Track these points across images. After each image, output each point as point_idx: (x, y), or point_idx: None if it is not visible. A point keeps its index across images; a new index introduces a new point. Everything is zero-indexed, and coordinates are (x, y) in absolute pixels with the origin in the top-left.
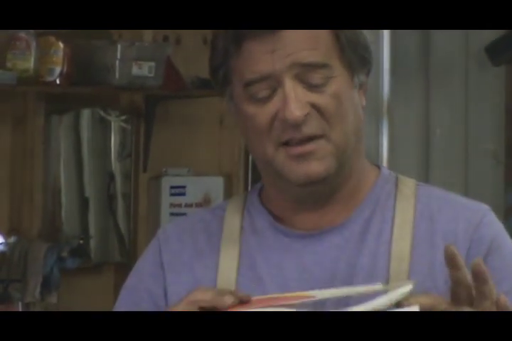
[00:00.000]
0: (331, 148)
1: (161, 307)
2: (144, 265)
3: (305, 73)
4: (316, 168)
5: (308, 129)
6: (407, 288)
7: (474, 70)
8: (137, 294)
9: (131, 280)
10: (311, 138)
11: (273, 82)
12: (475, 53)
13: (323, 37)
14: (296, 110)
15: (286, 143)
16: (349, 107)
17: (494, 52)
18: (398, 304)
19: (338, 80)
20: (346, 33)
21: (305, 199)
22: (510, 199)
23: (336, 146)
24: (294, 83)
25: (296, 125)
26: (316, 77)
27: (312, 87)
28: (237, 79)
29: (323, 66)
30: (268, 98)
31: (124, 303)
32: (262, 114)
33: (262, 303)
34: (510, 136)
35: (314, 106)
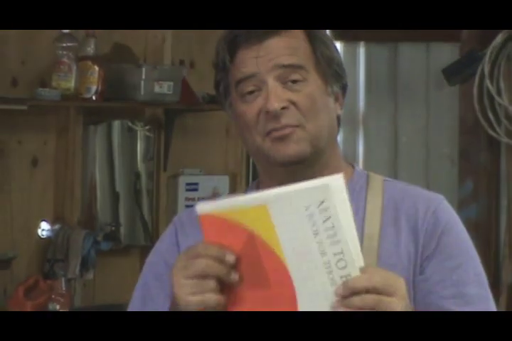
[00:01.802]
0: (305, 134)
1: None
2: (163, 244)
3: (285, 74)
4: (293, 148)
5: (286, 120)
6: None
7: (433, 89)
8: (157, 267)
9: (152, 256)
10: (289, 126)
11: (258, 82)
12: (434, 75)
13: (301, 48)
14: (275, 103)
15: (269, 133)
16: (323, 107)
17: (450, 74)
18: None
19: (312, 84)
20: (322, 49)
21: (290, 183)
22: (463, 193)
23: (310, 134)
24: (275, 83)
25: (276, 116)
26: (294, 76)
27: (290, 87)
28: (231, 84)
29: (299, 67)
30: (254, 97)
31: (147, 275)
32: (251, 110)
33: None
34: (462, 142)
35: (292, 102)
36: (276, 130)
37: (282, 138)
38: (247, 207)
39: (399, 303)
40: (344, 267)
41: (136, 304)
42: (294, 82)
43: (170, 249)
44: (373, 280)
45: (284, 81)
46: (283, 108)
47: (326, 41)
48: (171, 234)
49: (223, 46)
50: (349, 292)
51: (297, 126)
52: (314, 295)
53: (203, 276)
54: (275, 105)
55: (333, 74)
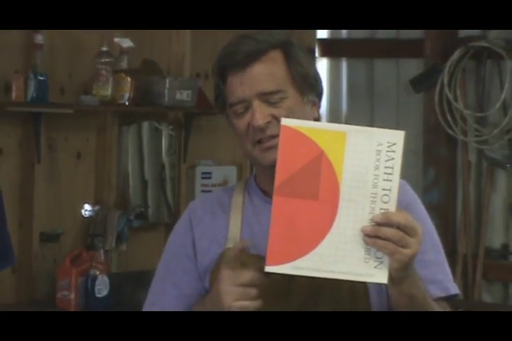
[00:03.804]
0: None
1: (191, 255)
2: (179, 228)
3: (266, 96)
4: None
5: (270, 131)
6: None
7: (403, 96)
8: (176, 247)
9: (171, 238)
10: (273, 137)
11: (246, 104)
12: (403, 84)
13: (278, 72)
14: (259, 120)
15: (258, 142)
16: (300, 115)
17: (416, 84)
18: None
19: (290, 99)
20: (296, 68)
21: None
22: (426, 181)
23: None
24: (259, 103)
25: (261, 129)
26: (274, 98)
27: (272, 104)
28: (226, 103)
29: (278, 92)
30: (244, 113)
31: (167, 254)
32: (242, 124)
33: None
34: (426, 138)
35: (274, 117)
36: (263, 140)
37: (269, 149)
38: (327, 130)
39: (416, 246)
40: (387, 202)
41: (158, 278)
42: (275, 100)
43: (185, 232)
44: (407, 219)
45: (266, 100)
46: (267, 122)
47: (300, 59)
48: (185, 220)
49: (216, 72)
50: (385, 221)
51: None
52: (352, 216)
53: (248, 285)
54: (259, 122)
55: (308, 86)
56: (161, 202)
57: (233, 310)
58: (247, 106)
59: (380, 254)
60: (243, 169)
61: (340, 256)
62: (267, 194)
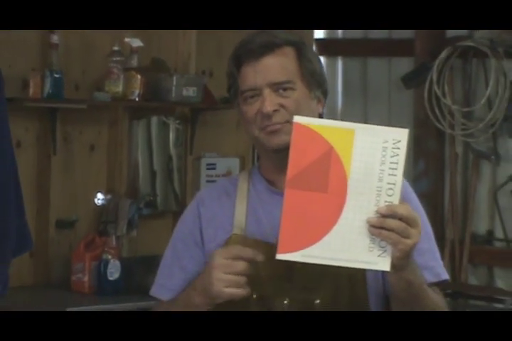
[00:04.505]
0: (292, 128)
1: (198, 242)
2: (187, 216)
3: (276, 86)
4: (282, 138)
5: (276, 119)
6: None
7: (394, 92)
8: (183, 234)
9: (179, 225)
10: (278, 124)
11: (257, 91)
12: (395, 81)
13: (290, 65)
14: (268, 106)
15: (264, 128)
16: (306, 109)
17: (406, 81)
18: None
19: (298, 92)
20: (306, 64)
21: (282, 165)
22: (416, 171)
23: None
24: (269, 91)
25: (269, 116)
26: (284, 88)
27: (281, 94)
28: (238, 90)
29: (287, 83)
30: (254, 101)
31: (175, 239)
32: (251, 110)
33: None
34: (416, 132)
35: (282, 106)
36: (269, 126)
37: (274, 132)
38: (337, 127)
39: (417, 236)
40: (391, 195)
41: (166, 262)
42: (284, 90)
43: (193, 220)
44: (409, 211)
45: (276, 89)
46: (274, 110)
47: (310, 57)
48: (193, 208)
49: (231, 61)
50: (389, 213)
51: (286, 122)
52: (358, 207)
53: (240, 274)
54: (268, 108)
55: (315, 83)
56: (168, 191)
57: (222, 296)
58: (258, 93)
59: (383, 244)
60: (245, 160)
61: (347, 245)
62: (271, 183)
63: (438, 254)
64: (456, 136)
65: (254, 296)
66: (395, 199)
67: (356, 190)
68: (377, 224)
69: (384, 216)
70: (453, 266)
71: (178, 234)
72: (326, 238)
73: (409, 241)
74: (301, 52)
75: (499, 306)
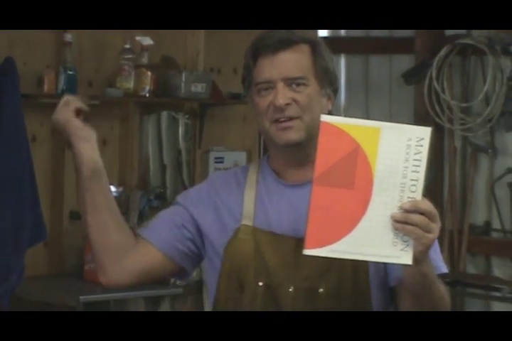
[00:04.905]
0: (302, 125)
1: (192, 214)
2: (197, 192)
3: (290, 81)
4: (292, 135)
5: (288, 113)
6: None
7: (395, 88)
8: (181, 202)
9: (182, 196)
10: (290, 118)
11: (271, 84)
12: (395, 78)
13: (304, 62)
14: (281, 100)
15: (275, 121)
16: (317, 104)
17: (407, 77)
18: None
19: (311, 88)
20: (320, 62)
21: (291, 159)
22: None
23: (306, 124)
24: (283, 85)
25: (281, 109)
26: (297, 84)
27: (293, 89)
28: (253, 82)
29: (301, 78)
30: (267, 93)
31: (168, 209)
32: (263, 102)
33: None
34: None
35: (294, 100)
36: (280, 120)
37: (285, 129)
38: (363, 125)
39: (437, 231)
40: (414, 191)
41: (151, 220)
42: (298, 85)
43: (196, 201)
44: (431, 207)
45: (289, 84)
46: (287, 104)
47: (325, 55)
48: (201, 190)
49: (249, 53)
50: (413, 209)
51: (297, 118)
52: (383, 203)
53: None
54: (281, 101)
55: (327, 80)
56: (178, 184)
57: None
58: (272, 86)
59: (406, 238)
60: (252, 154)
61: (372, 240)
62: (279, 174)
63: (438, 248)
64: (454, 130)
65: (261, 284)
66: (418, 195)
67: (381, 187)
68: (402, 219)
69: (407, 211)
70: (452, 256)
71: (178, 201)
72: (352, 233)
73: (431, 236)
74: (316, 50)
75: (496, 294)
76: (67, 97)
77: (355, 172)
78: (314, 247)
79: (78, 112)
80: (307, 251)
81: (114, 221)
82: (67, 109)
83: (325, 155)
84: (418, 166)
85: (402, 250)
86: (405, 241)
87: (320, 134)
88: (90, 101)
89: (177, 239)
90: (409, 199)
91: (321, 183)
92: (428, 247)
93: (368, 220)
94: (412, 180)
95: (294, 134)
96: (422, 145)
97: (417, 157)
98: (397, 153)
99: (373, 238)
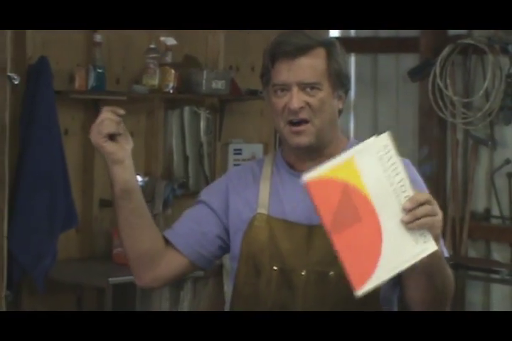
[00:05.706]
0: (313, 129)
1: (218, 208)
2: (217, 185)
3: (305, 85)
4: (302, 140)
5: (302, 115)
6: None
7: (401, 85)
8: (204, 199)
9: (205, 193)
10: (303, 121)
11: (287, 87)
12: (402, 75)
13: (320, 67)
14: (295, 103)
15: (289, 122)
16: (328, 107)
17: (412, 75)
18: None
19: (324, 92)
20: (334, 66)
21: (302, 155)
22: (421, 156)
23: (317, 128)
24: (297, 89)
25: (295, 112)
26: (311, 88)
27: (307, 93)
28: (270, 82)
29: (315, 84)
30: (283, 95)
31: (194, 206)
32: (279, 103)
33: None
34: (421, 121)
35: (307, 103)
36: (294, 122)
37: (297, 133)
38: (339, 163)
39: (439, 210)
40: (405, 191)
41: (179, 221)
42: (312, 88)
43: (221, 192)
44: (426, 195)
45: (303, 88)
46: (301, 107)
47: (338, 59)
48: (222, 183)
49: (267, 56)
50: (416, 204)
51: (308, 122)
52: (390, 217)
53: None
54: (295, 105)
55: (340, 83)
56: (199, 174)
57: (95, 145)
58: (287, 89)
59: (421, 231)
60: (268, 146)
61: (399, 251)
62: (291, 166)
63: (440, 233)
64: (457, 124)
65: (276, 268)
66: (410, 191)
67: (381, 205)
68: (411, 219)
69: (411, 209)
70: (454, 241)
71: (201, 199)
72: (382, 256)
73: (439, 217)
74: (331, 53)
75: (496, 276)
76: (104, 114)
77: (356, 206)
78: (362, 286)
79: (112, 136)
80: (359, 292)
81: (146, 234)
82: (99, 136)
83: (324, 206)
84: (396, 168)
85: (424, 242)
86: (422, 234)
87: (311, 193)
88: (123, 113)
89: (202, 245)
90: (406, 199)
91: (335, 231)
92: (441, 228)
93: (387, 239)
94: (398, 182)
95: (305, 138)
96: (389, 151)
97: (391, 161)
98: (375, 169)
99: (399, 249)
